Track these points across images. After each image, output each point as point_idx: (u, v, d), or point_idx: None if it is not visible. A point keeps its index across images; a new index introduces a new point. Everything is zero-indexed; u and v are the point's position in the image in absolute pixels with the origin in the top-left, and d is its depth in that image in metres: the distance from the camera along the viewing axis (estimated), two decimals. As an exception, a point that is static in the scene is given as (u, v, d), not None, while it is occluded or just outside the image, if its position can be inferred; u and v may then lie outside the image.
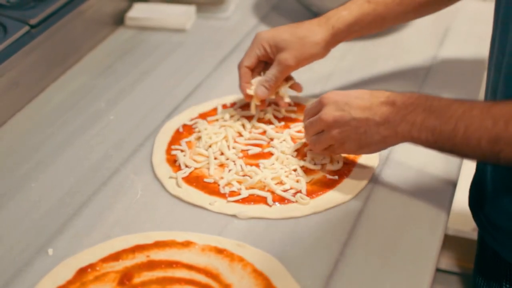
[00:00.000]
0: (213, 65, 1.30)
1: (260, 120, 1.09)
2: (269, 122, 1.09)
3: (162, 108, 1.16)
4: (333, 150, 0.95)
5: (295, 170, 0.98)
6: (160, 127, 1.10)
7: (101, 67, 1.30)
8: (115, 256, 0.85)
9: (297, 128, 1.06)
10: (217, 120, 1.10)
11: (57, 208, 0.96)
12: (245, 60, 1.07)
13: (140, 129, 1.11)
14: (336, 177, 0.97)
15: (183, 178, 0.98)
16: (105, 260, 0.85)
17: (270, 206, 0.93)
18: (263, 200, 0.94)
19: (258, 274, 0.82)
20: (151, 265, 0.84)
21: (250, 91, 1.06)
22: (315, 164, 0.99)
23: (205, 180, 0.98)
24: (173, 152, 1.03)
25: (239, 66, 1.07)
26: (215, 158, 1.00)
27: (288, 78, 1.09)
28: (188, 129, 1.09)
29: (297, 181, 0.96)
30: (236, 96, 1.15)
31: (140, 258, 0.85)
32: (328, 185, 0.96)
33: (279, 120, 1.09)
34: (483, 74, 1.21)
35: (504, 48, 0.88)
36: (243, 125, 1.07)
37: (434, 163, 1.00)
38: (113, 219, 0.93)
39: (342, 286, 0.82)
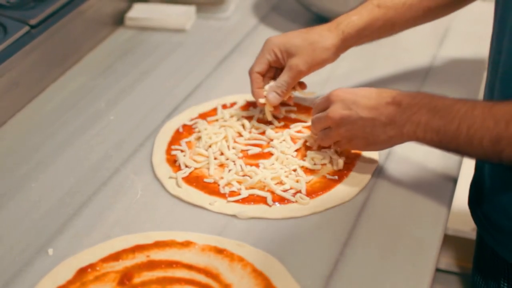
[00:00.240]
0: (213, 65, 1.30)
1: (260, 120, 1.09)
2: (269, 122, 1.09)
3: (162, 108, 1.16)
4: (341, 145, 0.97)
5: (295, 170, 0.98)
6: (160, 127, 1.10)
7: (101, 67, 1.30)
8: (115, 256, 0.85)
9: (297, 128, 1.06)
10: (217, 120, 1.10)
11: (57, 208, 0.96)
12: (256, 66, 1.07)
13: (140, 129, 1.11)
14: (336, 177, 0.97)
15: (183, 178, 0.98)
16: (105, 260, 0.85)
17: (270, 206, 0.93)
18: (263, 200, 0.94)
19: (258, 274, 0.82)
20: (151, 265, 0.84)
21: (263, 100, 1.06)
22: (315, 164, 0.99)
23: (205, 180, 0.98)
24: (173, 152, 1.03)
25: (250, 72, 1.07)
26: (215, 158, 1.00)
27: (301, 84, 1.09)
28: (188, 129, 1.09)
29: (297, 181, 0.96)
30: (236, 96, 1.16)
31: (140, 258, 0.85)
32: (328, 185, 0.96)
33: (279, 120, 1.09)
34: (483, 74, 1.21)
35: (500, 47, 0.89)
36: (243, 125, 1.08)
37: (433, 161, 1.00)
38: (113, 219, 0.93)
39: (342, 286, 0.82)
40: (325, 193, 0.95)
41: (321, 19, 1.36)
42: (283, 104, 1.11)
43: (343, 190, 0.95)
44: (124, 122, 1.14)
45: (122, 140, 1.09)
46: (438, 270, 1.53)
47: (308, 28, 1.07)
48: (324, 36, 1.05)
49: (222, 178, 0.98)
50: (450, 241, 1.64)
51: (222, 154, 1.02)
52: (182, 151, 1.03)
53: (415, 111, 0.86)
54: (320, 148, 1.01)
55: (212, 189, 0.96)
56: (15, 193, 0.99)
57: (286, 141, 1.03)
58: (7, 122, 1.15)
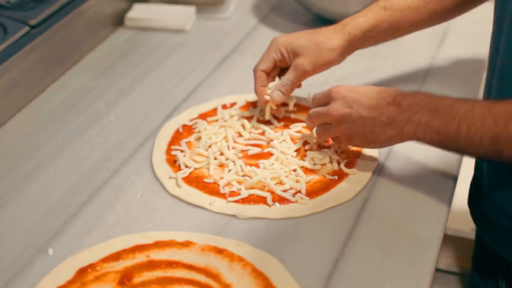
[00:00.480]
0: (213, 65, 1.30)
1: (260, 120, 1.09)
2: (268, 123, 1.09)
3: (162, 109, 1.16)
4: (339, 141, 0.98)
5: (294, 170, 0.98)
6: (160, 128, 1.10)
7: (101, 67, 1.30)
8: (115, 256, 0.85)
9: (297, 129, 1.06)
10: (217, 120, 1.10)
11: (57, 208, 0.96)
12: (261, 64, 1.07)
13: (140, 129, 1.12)
14: (336, 177, 0.97)
15: (183, 178, 0.98)
16: (105, 260, 0.85)
17: (270, 206, 0.93)
18: (263, 200, 0.94)
19: (258, 273, 0.82)
20: (151, 265, 0.84)
21: (268, 96, 1.06)
22: (315, 164, 0.99)
23: (205, 180, 0.98)
24: (173, 153, 1.03)
25: (255, 70, 1.07)
26: (215, 158, 1.00)
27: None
28: (188, 129, 1.09)
29: (297, 181, 0.96)
30: (236, 96, 1.16)
31: (140, 258, 0.85)
32: (328, 185, 0.96)
33: (279, 120, 1.09)
34: (482, 74, 1.21)
35: (498, 46, 0.90)
36: (243, 126, 1.08)
37: (433, 160, 1.00)
38: (113, 219, 0.93)
39: (342, 286, 0.82)
40: (325, 193, 0.95)
41: (321, 19, 1.36)
42: (283, 104, 1.11)
43: (343, 190, 0.95)
44: (124, 122, 1.14)
45: (122, 140, 1.09)
46: (437, 270, 1.54)
47: (315, 29, 1.07)
48: (330, 37, 1.05)
49: (222, 178, 0.98)
50: (449, 241, 1.64)
51: (222, 154, 1.02)
52: (182, 151, 1.03)
53: (415, 111, 0.86)
54: (320, 148, 1.02)
55: (212, 189, 0.96)
56: (15, 193, 0.99)
57: (286, 141, 1.03)
58: (7, 122, 1.15)
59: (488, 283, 1.03)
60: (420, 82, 1.21)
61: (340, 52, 1.05)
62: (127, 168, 1.03)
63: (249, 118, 1.09)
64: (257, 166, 0.99)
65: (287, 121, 1.09)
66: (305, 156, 1.00)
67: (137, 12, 1.44)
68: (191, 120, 1.11)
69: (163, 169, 1.01)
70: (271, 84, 1.07)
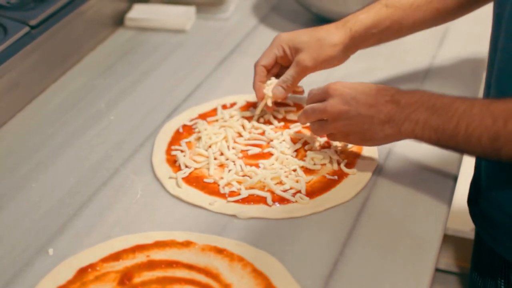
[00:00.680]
0: (213, 65, 1.30)
1: (259, 120, 1.09)
2: (268, 123, 1.09)
3: (162, 109, 1.16)
4: (335, 138, 0.97)
5: (294, 170, 0.99)
6: (160, 128, 1.10)
7: (101, 67, 1.31)
8: (115, 256, 0.85)
9: (297, 129, 1.06)
10: (217, 120, 1.10)
11: (58, 208, 0.96)
12: (262, 59, 1.07)
13: (140, 129, 1.12)
14: (336, 177, 0.97)
15: (183, 178, 0.98)
16: (106, 260, 0.85)
17: (270, 206, 0.93)
18: (263, 200, 0.94)
19: (258, 273, 0.82)
20: (151, 265, 0.84)
21: (265, 91, 1.06)
22: (314, 164, 0.99)
23: (205, 180, 0.98)
24: (173, 153, 1.03)
25: (256, 65, 1.08)
26: (215, 159, 1.00)
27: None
28: (188, 129, 1.09)
29: (297, 181, 0.96)
30: (236, 96, 1.16)
31: (140, 258, 0.85)
32: (328, 185, 0.96)
33: (279, 120, 1.09)
34: (482, 74, 1.21)
35: (496, 45, 0.90)
36: (243, 126, 1.08)
37: (433, 160, 1.00)
38: (113, 219, 0.93)
39: (342, 286, 0.82)
40: (325, 193, 0.95)
41: (321, 19, 1.36)
42: (282, 104, 1.11)
43: (343, 190, 0.95)
44: (124, 123, 1.14)
45: (122, 141, 1.09)
46: (437, 270, 1.54)
47: (317, 26, 1.07)
48: (331, 33, 1.05)
49: (222, 178, 0.98)
50: (449, 241, 1.64)
51: (222, 154, 1.02)
52: (182, 151, 1.03)
53: (413, 110, 0.86)
54: (320, 148, 1.02)
55: (212, 189, 0.96)
56: (16, 193, 0.99)
57: (286, 141, 1.04)
58: (8, 123, 1.15)
59: (486, 282, 1.03)
60: (420, 82, 1.21)
61: (341, 48, 1.05)
62: (127, 168, 1.03)
63: (249, 118, 1.09)
64: (257, 166, 0.99)
65: (287, 121, 1.09)
66: (305, 156, 1.00)
67: (137, 13, 1.44)
68: (191, 120, 1.11)
69: (163, 169, 1.01)
70: (269, 82, 1.07)
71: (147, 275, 0.83)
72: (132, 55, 1.35)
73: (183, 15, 1.43)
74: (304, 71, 1.05)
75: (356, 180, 0.97)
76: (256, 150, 1.03)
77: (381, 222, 0.91)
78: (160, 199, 0.96)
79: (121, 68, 1.31)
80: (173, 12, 1.44)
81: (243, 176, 0.98)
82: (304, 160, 1.00)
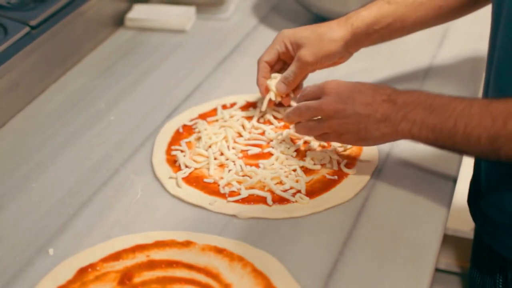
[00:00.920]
0: (213, 65, 1.30)
1: (259, 120, 1.09)
2: (268, 123, 1.09)
3: (162, 109, 1.16)
4: (328, 139, 0.96)
5: (294, 170, 0.99)
6: (160, 128, 1.11)
7: (101, 68, 1.31)
8: (116, 256, 0.85)
9: (297, 129, 1.06)
10: (217, 120, 1.10)
11: (58, 208, 0.96)
12: (265, 55, 1.08)
13: (140, 129, 1.12)
14: (336, 177, 0.97)
15: (183, 178, 0.98)
16: (106, 260, 0.85)
17: (270, 206, 0.93)
18: (263, 200, 0.94)
19: (258, 273, 0.82)
20: (151, 264, 0.84)
21: (269, 82, 1.07)
22: (314, 164, 0.99)
23: (205, 180, 0.98)
24: (173, 153, 1.04)
25: (259, 61, 1.08)
26: (215, 159, 1.01)
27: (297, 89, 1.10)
28: (188, 129, 1.09)
29: (297, 181, 0.97)
30: (236, 96, 1.16)
31: (140, 257, 0.85)
32: (328, 185, 0.96)
33: (279, 120, 1.09)
34: (482, 73, 1.21)
35: (494, 44, 0.90)
36: (243, 126, 1.08)
37: (433, 161, 1.00)
38: (113, 219, 0.93)
39: (342, 286, 0.82)
40: (325, 193, 0.95)
41: (321, 19, 1.36)
42: (282, 104, 1.11)
43: (342, 190, 0.96)
44: (124, 123, 1.14)
45: (122, 141, 1.09)
46: (437, 270, 1.54)
47: (319, 23, 1.07)
48: (333, 28, 1.05)
49: (222, 178, 0.98)
50: (449, 241, 1.64)
51: (222, 154, 1.02)
52: (182, 151, 1.03)
53: (411, 109, 0.85)
54: (320, 147, 1.02)
55: (212, 189, 0.96)
56: (16, 193, 0.99)
57: (286, 141, 1.04)
58: (8, 123, 1.15)
59: (485, 279, 1.03)
60: (420, 82, 1.21)
61: (342, 44, 1.05)
62: (127, 168, 1.03)
63: (249, 118, 1.09)
64: (257, 166, 1.00)
65: (287, 121, 1.09)
66: (305, 156, 1.00)
67: (137, 13, 1.44)
68: (191, 120, 1.11)
69: (163, 169, 1.01)
70: (273, 75, 1.08)
71: (147, 275, 0.83)
72: (132, 55, 1.35)
73: (183, 15, 1.43)
74: (305, 66, 1.05)
75: (356, 180, 0.97)
76: (256, 150, 1.03)
77: (381, 222, 0.91)
78: (160, 199, 0.96)
79: (121, 68, 1.31)
80: (173, 12, 1.44)
81: (243, 176, 0.98)
82: (304, 160, 1.00)
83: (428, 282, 0.83)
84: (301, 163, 0.99)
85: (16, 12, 1.22)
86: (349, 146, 1.01)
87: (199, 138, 1.05)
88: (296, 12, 1.45)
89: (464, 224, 1.61)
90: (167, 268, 0.84)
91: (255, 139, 1.05)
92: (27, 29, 1.19)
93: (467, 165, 1.07)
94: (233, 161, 1.00)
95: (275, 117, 1.10)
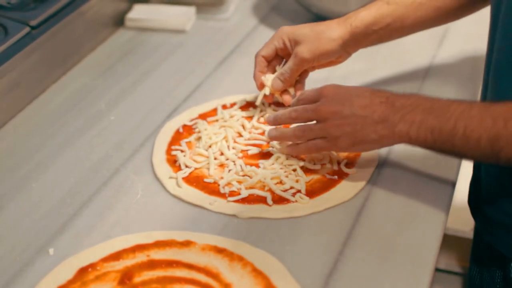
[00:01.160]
0: (213, 66, 1.30)
1: (259, 120, 1.09)
2: (268, 123, 1.09)
3: (162, 109, 1.16)
4: (322, 146, 0.93)
5: (294, 170, 0.99)
6: (160, 128, 1.11)
7: (101, 68, 1.31)
8: (116, 256, 0.86)
9: (297, 128, 1.06)
10: (217, 120, 1.10)
11: (58, 208, 0.96)
12: (262, 50, 1.08)
13: (140, 129, 1.12)
14: (336, 177, 0.97)
15: (183, 178, 0.98)
16: (106, 259, 0.85)
17: (270, 205, 0.93)
18: (263, 200, 0.94)
19: (258, 273, 0.82)
20: (152, 264, 0.84)
21: (263, 78, 1.07)
22: (314, 164, 0.99)
23: (205, 180, 0.98)
24: (173, 153, 1.04)
25: (256, 55, 1.08)
26: (215, 158, 1.01)
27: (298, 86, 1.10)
28: (188, 129, 1.09)
29: (297, 181, 0.97)
30: (236, 96, 1.16)
31: (141, 257, 0.85)
32: (328, 185, 0.96)
33: (279, 120, 1.09)
34: (482, 74, 1.21)
35: (493, 44, 0.90)
36: (243, 126, 1.08)
37: (433, 162, 1.00)
38: (114, 219, 0.93)
39: (342, 286, 0.82)
40: (325, 193, 0.95)
41: (321, 19, 1.36)
42: (283, 104, 1.11)
43: (342, 190, 0.96)
44: (124, 123, 1.14)
45: (122, 141, 1.09)
46: (437, 270, 1.54)
47: (319, 22, 1.08)
48: (332, 27, 1.05)
49: (222, 178, 0.98)
50: (449, 241, 1.64)
51: (222, 154, 1.02)
52: (182, 151, 1.03)
53: (409, 110, 0.85)
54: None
55: (212, 189, 0.96)
56: (16, 193, 0.99)
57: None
58: (8, 123, 1.15)
59: (484, 275, 1.03)
60: (420, 82, 1.21)
61: (340, 43, 1.05)
62: (127, 168, 1.03)
63: (249, 118, 1.10)
64: (257, 166, 1.00)
65: (287, 121, 1.09)
66: (305, 156, 1.00)
67: (137, 13, 1.44)
68: (191, 120, 1.11)
69: (163, 169, 1.01)
70: (267, 74, 1.08)
71: (148, 275, 0.83)
72: (132, 55, 1.35)
73: (183, 15, 1.44)
74: (302, 63, 1.05)
75: (356, 180, 0.97)
76: (256, 150, 1.03)
77: (381, 222, 0.91)
78: (160, 199, 0.97)
79: (121, 68, 1.31)
80: (173, 12, 1.44)
81: (243, 176, 0.98)
82: (304, 160, 1.00)
83: (428, 282, 0.83)
84: (301, 163, 0.99)
85: (16, 12, 1.22)
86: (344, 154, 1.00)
87: (199, 138, 1.05)
88: (296, 12, 1.45)
89: (464, 224, 1.61)
90: (167, 267, 0.84)
91: (255, 139, 1.05)
92: (27, 29, 1.19)
93: (467, 164, 1.07)
94: (233, 161, 1.00)
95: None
